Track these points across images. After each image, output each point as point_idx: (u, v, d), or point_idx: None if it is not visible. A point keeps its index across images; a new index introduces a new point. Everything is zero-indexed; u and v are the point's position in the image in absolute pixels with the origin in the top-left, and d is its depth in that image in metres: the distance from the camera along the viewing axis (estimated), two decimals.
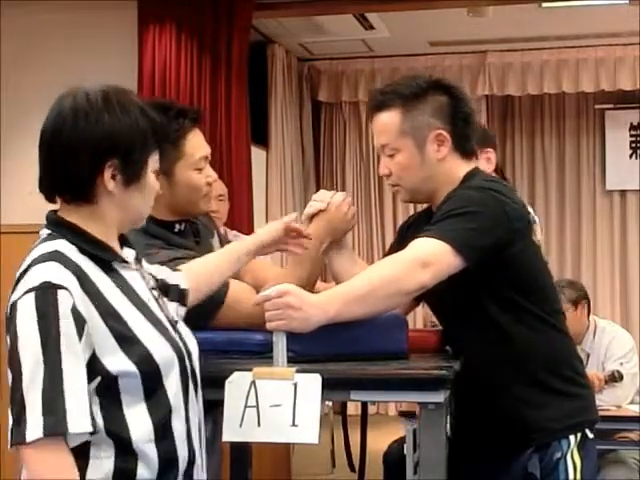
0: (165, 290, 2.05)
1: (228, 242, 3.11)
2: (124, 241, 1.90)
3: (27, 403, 1.61)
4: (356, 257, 2.63)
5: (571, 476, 2.34)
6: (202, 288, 2.19)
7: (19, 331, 1.65)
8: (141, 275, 1.88)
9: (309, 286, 2.37)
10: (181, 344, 1.84)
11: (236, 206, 5.75)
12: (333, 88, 8.53)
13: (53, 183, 1.81)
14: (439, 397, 2.06)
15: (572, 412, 2.37)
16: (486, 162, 3.30)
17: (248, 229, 5.75)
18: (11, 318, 1.67)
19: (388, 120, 2.38)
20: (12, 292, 1.70)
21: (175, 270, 2.15)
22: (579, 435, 2.36)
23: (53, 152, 1.79)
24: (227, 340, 2.22)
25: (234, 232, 4.63)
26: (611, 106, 8.20)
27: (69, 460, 1.64)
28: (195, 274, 2.18)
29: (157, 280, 2.02)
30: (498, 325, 2.34)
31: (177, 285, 2.10)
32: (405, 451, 3.86)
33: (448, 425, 2.38)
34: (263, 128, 7.54)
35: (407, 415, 4.02)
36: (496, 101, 8.53)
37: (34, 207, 6.62)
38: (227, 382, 2.02)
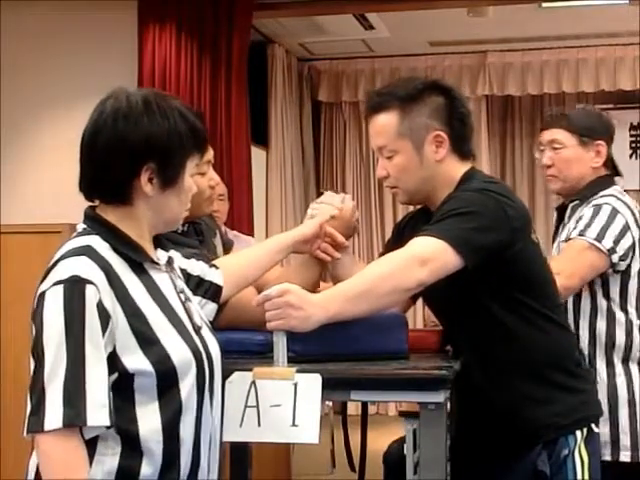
0: (197, 285, 2.10)
1: (229, 241, 3.12)
2: (158, 243, 1.92)
3: (47, 393, 1.63)
4: (356, 260, 2.63)
5: (579, 473, 2.35)
6: (236, 283, 2.23)
7: (45, 321, 1.67)
8: (170, 278, 1.90)
9: (311, 288, 2.38)
10: (202, 349, 1.84)
11: (236, 206, 5.75)
12: (333, 88, 8.53)
13: (91, 183, 1.83)
14: (439, 397, 2.06)
15: (577, 407, 2.38)
16: (595, 155, 3.13)
17: (248, 229, 5.75)
18: (37, 308, 1.70)
19: (386, 122, 2.38)
20: (41, 283, 1.73)
21: (212, 266, 2.19)
22: (585, 430, 2.37)
23: (92, 152, 1.81)
24: (227, 340, 2.22)
25: (234, 232, 4.63)
26: (611, 106, 8.18)
27: (82, 453, 1.66)
28: (229, 269, 2.22)
29: (190, 276, 2.08)
30: (501, 323, 2.34)
31: (210, 281, 2.14)
32: (405, 451, 3.85)
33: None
34: (263, 128, 7.54)
35: (407, 415, 4.01)
36: (496, 101, 8.52)
37: (34, 207, 6.62)
38: (227, 382, 2.02)
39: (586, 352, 2.97)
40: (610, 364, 2.97)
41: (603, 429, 2.92)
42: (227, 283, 2.20)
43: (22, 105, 6.03)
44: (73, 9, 6.00)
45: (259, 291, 2.24)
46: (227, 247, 2.94)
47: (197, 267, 2.14)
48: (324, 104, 8.70)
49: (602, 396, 2.93)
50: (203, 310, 2.07)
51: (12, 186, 6.00)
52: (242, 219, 5.86)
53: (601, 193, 3.10)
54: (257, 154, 7.02)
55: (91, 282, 1.69)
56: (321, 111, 8.76)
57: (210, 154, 2.57)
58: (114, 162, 1.78)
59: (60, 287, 1.68)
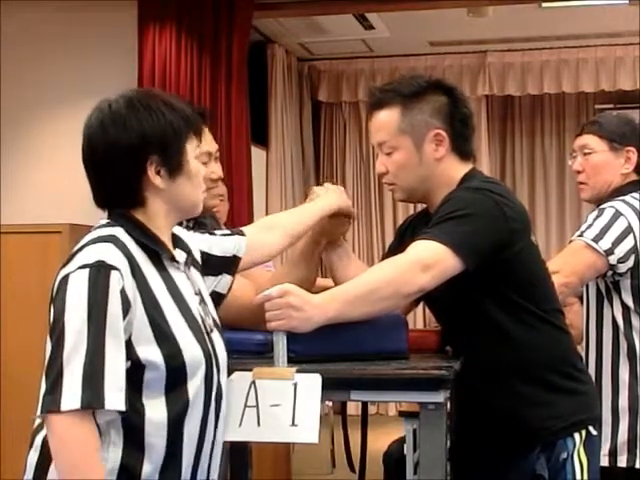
0: (212, 263, 2.09)
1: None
2: (177, 242, 1.94)
3: (66, 373, 1.64)
4: (354, 257, 2.63)
5: (578, 476, 2.34)
6: (259, 248, 2.23)
7: (67, 304, 1.69)
8: (188, 278, 1.92)
9: (307, 287, 2.37)
10: (212, 351, 1.86)
11: (236, 206, 5.76)
12: (333, 88, 8.53)
13: (104, 195, 1.86)
14: (439, 397, 2.06)
15: (575, 409, 2.37)
16: (625, 161, 3.07)
17: None
18: (60, 290, 1.71)
19: (387, 118, 2.38)
20: (63, 266, 1.74)
21: (236, 234, 2.19)
22: (583, 433, 2.36)
23: (94, 166, 1.84)
24: (227, 340, 2.22)
25: None
26: (611, 106, 8.19)
27: (97, 436, 1.68)
28: (254, 236, 2.22)
29: (205, 255, 2.07)
30: (498, 326, 2.34)
31: (225, 256, 2.13)
32: (405, 451, 3.85)
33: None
34: (263, 128, 7.54)
35: (407, 415, 4.01)
36: (496, 101, 8.52)
37: (34, 207, 6.63)
38: (227, 382, 2.02)
39: (610, 362, 2.98)
40: (632, 372, 2.96)
41: (622, 436, 2.93)
42: (249, 247, 2.18)
43: (22, 105, 6.04)
44: (73, 9, 6.00)
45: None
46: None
47: (217, 244, 2.13)
48: (324, 104, 8.70)
49: (623, 402, 2.94)
50: (219, 284, 2.10)
51: (12, 186, 6.01)
52: (242, 219, 5.86)
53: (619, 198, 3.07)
54: (257, 154, 7.03)
55: (116, 268, 1.71)
56: (321, 111, 8.76)
57: (211, 147, 2.57)
58: (117, 168, 1.81)
59: (85, 271, 1.70)
